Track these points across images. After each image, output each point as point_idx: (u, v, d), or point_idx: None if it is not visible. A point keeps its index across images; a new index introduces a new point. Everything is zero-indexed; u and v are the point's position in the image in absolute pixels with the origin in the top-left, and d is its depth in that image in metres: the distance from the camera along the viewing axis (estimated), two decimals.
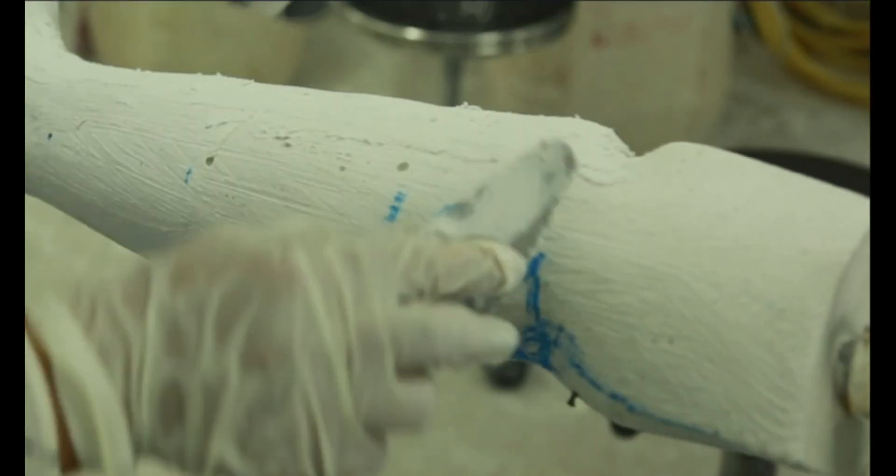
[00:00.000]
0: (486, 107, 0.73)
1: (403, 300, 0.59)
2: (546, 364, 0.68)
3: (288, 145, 0.72)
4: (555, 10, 1.91)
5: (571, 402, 0.70)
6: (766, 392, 0.62)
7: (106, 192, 0.76)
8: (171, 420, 0.57)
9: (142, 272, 0.58)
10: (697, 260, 0.64)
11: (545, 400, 1.88)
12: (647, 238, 0.65)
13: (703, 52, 2.29)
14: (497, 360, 0.60)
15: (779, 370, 0.62)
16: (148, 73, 0.80)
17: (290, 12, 0.93)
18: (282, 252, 0.57)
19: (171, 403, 0.56)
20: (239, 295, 0.57)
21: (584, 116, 0.71)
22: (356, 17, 1.87)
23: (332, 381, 0.56)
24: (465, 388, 1.90)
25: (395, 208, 0.69)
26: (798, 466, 0.63)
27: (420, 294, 0.59)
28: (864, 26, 2.54)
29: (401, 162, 0.70)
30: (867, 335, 0.64)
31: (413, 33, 1.84)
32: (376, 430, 0.58)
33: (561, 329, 0.66)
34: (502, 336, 0.60)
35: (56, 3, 0.85)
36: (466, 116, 0.72)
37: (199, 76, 0.78)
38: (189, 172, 0.74)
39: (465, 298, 0.61)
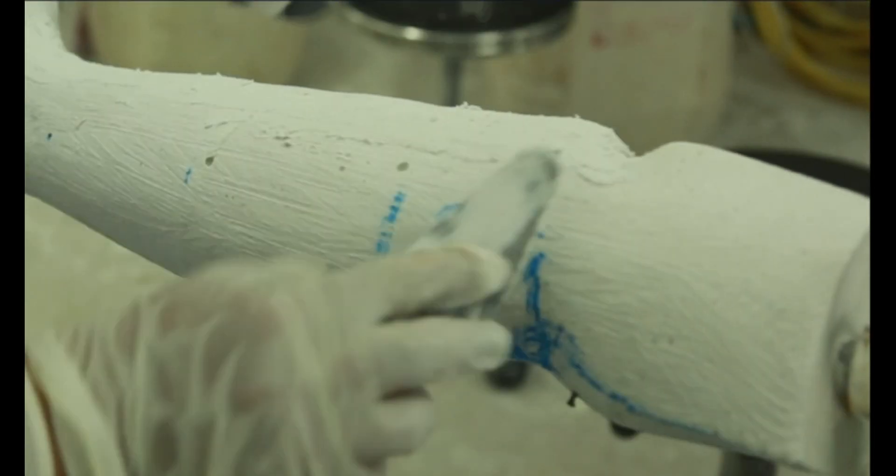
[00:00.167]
0: (486, 107, 0.73)
1: (386, 320, 0.58)
2: (546, 364, 0.68)
3: (288, 145, 0.72)
4: (555, 9, 1.91)
5: (571, 403, 0.70)
6: (767, 392, 0.62)
7: (105, 192, 0.76)
8: (165, 461, 0.57)
9: (133, 312, 0.58)
10: (697, 260, 0.64)
11: (545, 400, 1.88)
12: (647, 238, 0.65)
13: (703, 51, 2.29)
14: (493, 364, 0.59)
15: (779, 370, 0.62)
16: (148, 73, 0.79)
17: (290, 11, 0.93)
18: (265, 292, 0.58)
19: (165, 445, 0.57)
20: (224, 337, 0.57)
21: (584, 116, 0.71)
22: (356, 16, 1.87)
23: (319, 417, 0.56)
24: (464, 389, 1.90)
25: (394, 208, 0.69)
26: (798, 466, 0.63)
27: (404, 308, 0.59)
28: (865, 26, 2.54)
29: (401, 162, 0.70)
30: (867, 335, 0.64)
31: (413, 33, 1.84)
32: (369, 460, 0.58)
33: (561, 329, 0.66)
34: (489, 337, 0.59)
35: (56, 3, 0.85)
36: (466, 116, 0.72)
37: (198, 76, 0.78)
38: (189, 172, 0.74)
39: (458, 309, 0.60)
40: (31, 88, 0.79)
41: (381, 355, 0.57)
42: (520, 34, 1.87)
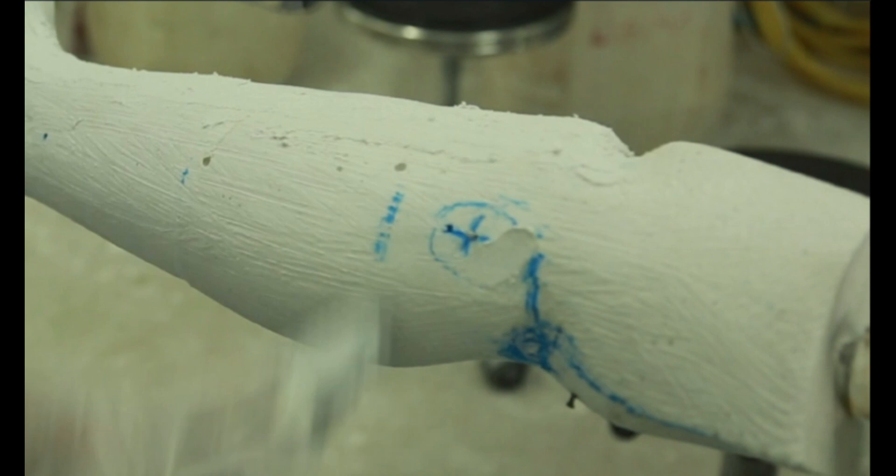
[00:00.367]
0: (484, 106, 0.73)
1: (194, 458, 0.60)
2: (545, 365, 0.68)
3: (285, 145, 0.72)
4: (554, 8, 1.91)
5: (571, 404, 0.70)
6: (767, 393, 0.62)
7: (102, 192, 0.76)
8: None
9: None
10: (697, 261, 0.64)
11: (544, 401, 1.88)
12: (647, 238, 0.65)
13: (703, 50, 2.29)
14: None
15: (779, 371, 0.62)
16: (144, 72, 0.79)
17: (287, 4, 0.93)
18: (83, 426, 0.59)
19: None
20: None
21: (584, 115, 0.71)
22: (354, 16, 1.87)
23: None
24: (464, 390, 1.90)
25: (393, 209, 0.69)
26: (799, 468, 0.63)
27: (217, 445, 0.61)
28: (865, 25, 2.55)
29: (399, 162, 0.69)
30: (868, 336, 0.64)
31: (411, 32, 1.84)
32: None
33: (560, 330, 0.66)
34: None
35: (52, 3, 0.85)
36: (465, 116, 0.72)
37: (195, 76, 0.78)
38: (186, 173, 0.73)
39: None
40: (27, 88, 0.79)
41: None
42: (519, 33, 1.87)
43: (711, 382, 0.63)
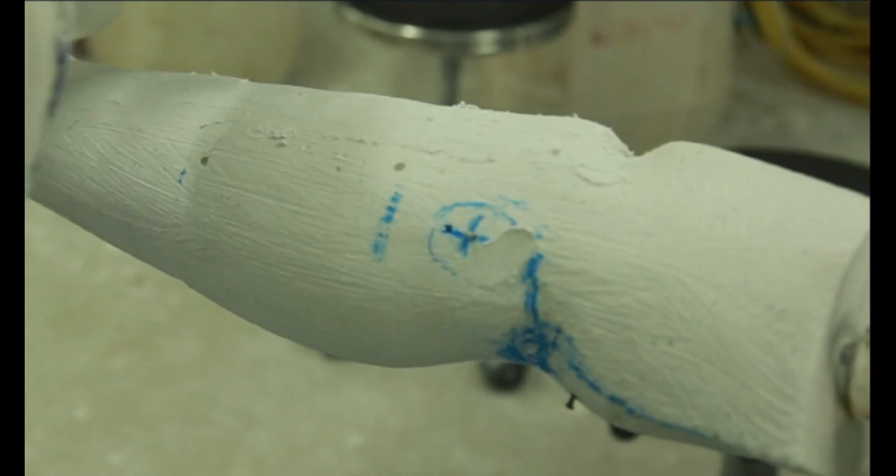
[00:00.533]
0: (484, 106, 0.73)
1: None
2: (544, 366, 0.68)
3: (283, 145, 0.72)
4: (554, 7, 1.91)
5: (570, 405, 0.70)
6: (767, 394, 0.62)
7: (99, 192, 0.76)
8: None
9: None
10: (697, 261, 0.63)
11: (544, 402, 1.88)
12: (646, 238, 0.64)
13: (703, 50, 2.29)
14: None
15: (779, 372, 0.62)
16: (142, 72, 0.79)
17: None
18: None
19: None
20: None
21: (583, 115, 0.70)
22: (353, 15, 1.87)
23: None
24: (463, 391, 1.90)
25: (391, 209, 0.68)
26: (799, 470, 0.63)
27: None
28: (866, 24, 2.55)
29: (397, 162, 0.69)
30: (869, 337, 0.64)
31: (410, 32, 1.84)
32: None
33: (559, 331, 0.66)
34: None
35: None
36: (464, 116, 0.72)
37: (193, 75, 0.78)
38: (183, 173, 0.73)
39: None
40: None
41: None
42: (518, 32, 1.87)
43: (711, 383, 0.63)
